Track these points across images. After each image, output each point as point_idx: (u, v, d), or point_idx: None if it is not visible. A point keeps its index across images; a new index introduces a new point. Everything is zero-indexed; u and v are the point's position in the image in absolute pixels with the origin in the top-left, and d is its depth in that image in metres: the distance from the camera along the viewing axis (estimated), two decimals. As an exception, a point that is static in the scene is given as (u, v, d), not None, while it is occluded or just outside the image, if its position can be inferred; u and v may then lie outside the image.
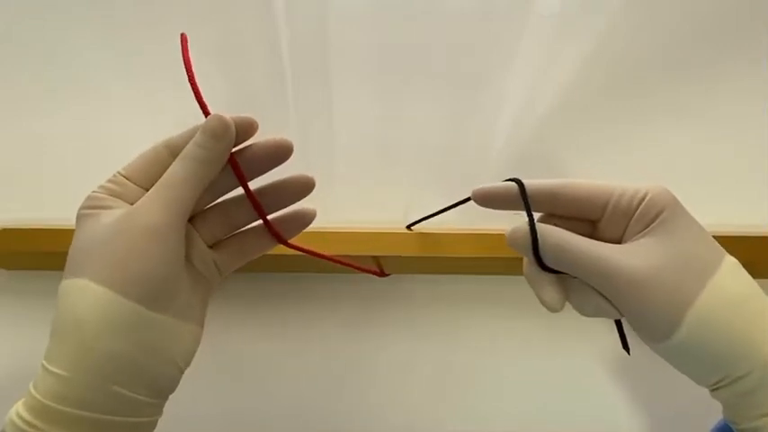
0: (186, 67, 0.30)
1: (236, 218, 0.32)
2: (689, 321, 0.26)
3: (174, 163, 0.28)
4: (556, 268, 0.30)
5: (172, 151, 0.30)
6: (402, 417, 0.46)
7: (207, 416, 0.46)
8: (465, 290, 0.47)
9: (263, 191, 0.32)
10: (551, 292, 0.30)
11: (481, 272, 0.47)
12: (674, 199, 0.29)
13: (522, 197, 0.31)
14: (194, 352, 0.30)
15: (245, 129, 0.30)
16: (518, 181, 0.31)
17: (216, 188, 0.31)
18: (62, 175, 0.47)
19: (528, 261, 0.31)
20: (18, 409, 0.26)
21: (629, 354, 0.32)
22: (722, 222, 0.44)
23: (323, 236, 0.43)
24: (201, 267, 0.31)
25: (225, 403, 0.47)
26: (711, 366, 0.27)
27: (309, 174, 0.32)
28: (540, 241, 0.29)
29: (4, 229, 0.44)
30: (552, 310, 0.30)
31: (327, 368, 0.47)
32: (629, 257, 0.28)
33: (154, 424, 0.29)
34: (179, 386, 0.29)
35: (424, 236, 0.43)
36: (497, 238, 0.43)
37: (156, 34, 0.47)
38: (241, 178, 0.30)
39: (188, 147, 0.28)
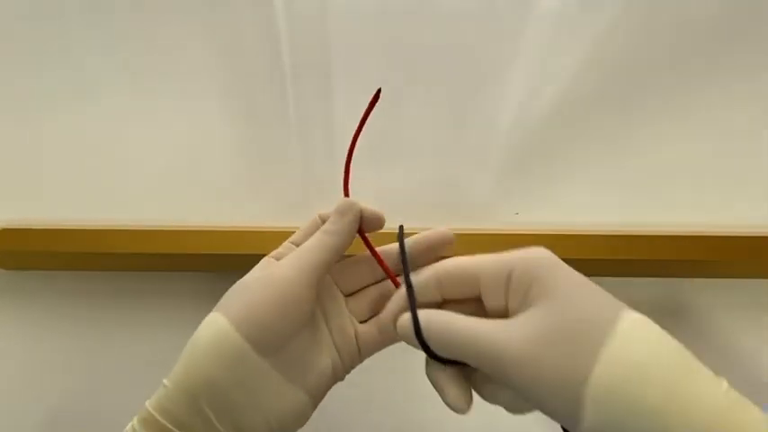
0: (354, 138, 0.34)
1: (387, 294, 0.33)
2: (590, 401, 0.22)
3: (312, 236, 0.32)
4: (449, 357, 0.26)
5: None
6: (398, 417, 0.46)
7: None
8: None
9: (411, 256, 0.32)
10: (453, 389, 0.27)
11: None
12: (551, 261, 0.26)
13: (408, 295, 0.29)
14: (293, 419, 0.30)
15: (372, 218, 0.32)
16: (408, 282, 0.29)
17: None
18: (62, 175, 0.47)
19: (426, 358, 0.28)
20: (133, 421, 0.28)
21: None
22: (722, 223, 0.44)
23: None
24: (339, 339, 0.32)
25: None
26: None
27: (445, 229, 0.33)
28: (423, 329, 0.27)
29: (4, 229, 0.44)
30: (459, 411, 0.27)
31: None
32: (509, 332, 0.24)
33: None
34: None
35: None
36: (498, 238, 0.43)
37: (156, 36, 0.47)
38: (374, 254, 0.33)
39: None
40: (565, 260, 0.44)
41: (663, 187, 0.46)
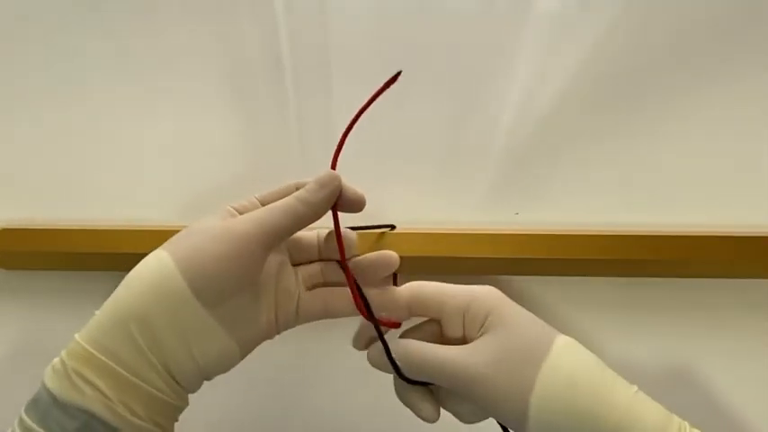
0: (358, 113, 0.35)
1: (331, 276, 0.36)
2: (534, 408, 0.28)
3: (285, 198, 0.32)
4: (418, 379, 0.31)
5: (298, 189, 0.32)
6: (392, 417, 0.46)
7: (209, 418, 0.46)
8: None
9: (357, 263, 0.35)
10: (425, 405, 0.32)
11: (485, 273, 0.47)
12: (500, 297, 0.32)
13: (376, 331, 0.32)
14: (221, 366, 0.31)
15: (352, 198, 0.33)
16: (372, 318, 0.33)
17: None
18: (62, 175, 0.47)
19: (394, 378, 0.33)
20: (61, 355, 0.28)
21: None
22: (722, 223, 0.44)
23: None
24: (282, 301, 0.33)
25: (227, 404, 0.47)
26: None
27: (393, 254, 0.35)
28: (397, 358, 0.31)
29: (4, 229, 0.44)
30: (431, 422, 0.32)
31: (328, 369, 0.47)
32: (470, 356, 0.30)
33: (174, 409, 0.29)
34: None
35: (425, 236, 0.43)
36: (498, 238, 0.43)
37: (156, 36, 0.47)
38: (338, 235, 0.33)
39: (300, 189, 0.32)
40: (565, 260, 0.44)
41: (663, 187, 0.46)
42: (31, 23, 0.48)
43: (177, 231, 0.43)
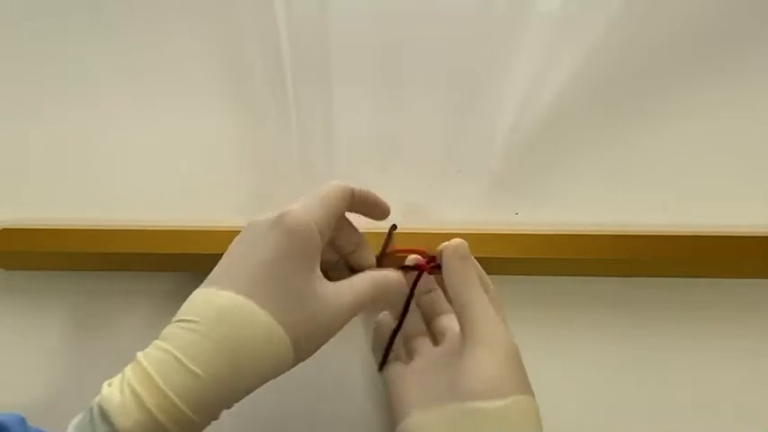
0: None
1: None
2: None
3: None
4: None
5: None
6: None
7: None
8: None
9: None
10: None
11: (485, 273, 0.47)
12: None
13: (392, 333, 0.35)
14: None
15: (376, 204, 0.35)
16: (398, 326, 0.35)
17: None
18: (62, 175, 0.47)
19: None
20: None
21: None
22: (722, 223, 0.44)
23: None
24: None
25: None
26: None
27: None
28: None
29: (4, 229, 0.44)
30: None
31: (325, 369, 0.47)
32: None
33: None
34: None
35: (425, 236, 0.43)
36: (498, 237, 0.43)
37: (156, 36, 0.48)
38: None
39: None
40: (565, 260, 0.44)
41: (663, 187, 0.46)
42: (33, 25, 0.48)
43: (177, 231, 0.43)
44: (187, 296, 0.31)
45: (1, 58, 0.48)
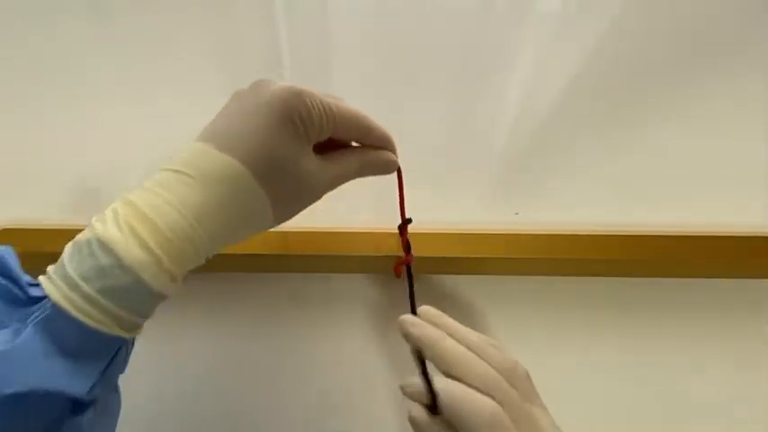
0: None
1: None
2: None
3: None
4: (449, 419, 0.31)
5: None
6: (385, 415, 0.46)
7: (204, 416, 0.46)
8: (468, 289, 0.48)
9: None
10: None
11: (485, 273, 0.47)
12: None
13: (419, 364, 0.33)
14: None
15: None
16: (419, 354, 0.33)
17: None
18: (62, 175, 0.47)
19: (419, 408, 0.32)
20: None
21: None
22: (722, 223, 0.44)
23: (323, 236, 0.43)
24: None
25: (223, 403, 0.47)
26: None
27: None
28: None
29: (4, 229, 0.44)
30: None
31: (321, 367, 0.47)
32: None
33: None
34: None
35: (425, 236, 0.43)
36: (498, 237, 0.43)
37: (156, 36, 0.48)
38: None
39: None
40: (565, 260, 0.44)
41: (662, 187, 0.46)
42: (34, 24, 0.48)
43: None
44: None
45: (1, 59, 0.48)
